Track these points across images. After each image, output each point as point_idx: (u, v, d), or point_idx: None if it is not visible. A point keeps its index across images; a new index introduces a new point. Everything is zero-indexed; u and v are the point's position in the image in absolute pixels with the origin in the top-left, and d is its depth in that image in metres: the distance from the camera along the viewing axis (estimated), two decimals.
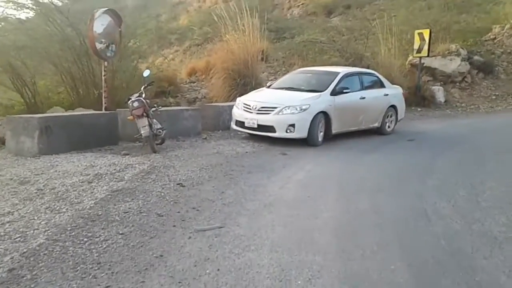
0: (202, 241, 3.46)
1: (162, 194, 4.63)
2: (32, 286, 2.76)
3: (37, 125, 6.49)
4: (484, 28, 18.10)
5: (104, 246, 3.30)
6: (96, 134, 7.27)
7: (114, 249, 3.26)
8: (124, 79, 10.64)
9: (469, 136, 9.29)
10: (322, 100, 7.91)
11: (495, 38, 18.12)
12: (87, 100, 10.00)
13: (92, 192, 4.65)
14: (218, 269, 2.99)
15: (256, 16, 11.88)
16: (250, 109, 7.97)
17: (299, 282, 2.87)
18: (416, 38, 14.01)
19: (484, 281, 3.00)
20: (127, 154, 6.63)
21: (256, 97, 8.36)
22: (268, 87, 9.14)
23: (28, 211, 4.06)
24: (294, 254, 3.26)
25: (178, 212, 4.11)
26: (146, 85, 7.22)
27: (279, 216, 4.10)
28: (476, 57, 16.26)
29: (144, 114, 6.59)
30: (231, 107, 8.94)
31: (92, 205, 4.23)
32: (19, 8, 10.26)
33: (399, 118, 9.72)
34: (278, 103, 7.79)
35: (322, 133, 7.93)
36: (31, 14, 11.06)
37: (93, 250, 3.22)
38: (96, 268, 2.98)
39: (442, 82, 15.40)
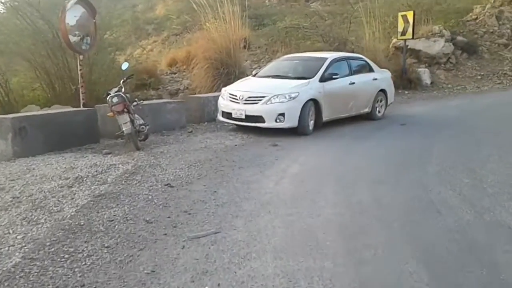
0: (197, 250, 3.13)
1: (150, 197, 4.27)
2: None
3: (11, 126, 6.03)
4: (465, 8, 17.97)
5: (88, 263, 2.93)
6: (75, 132, 6.84)
7: (99, 266, 2.90)
8: (102, 72, 10.18)
9: (460, 118, 9.11)
10: (311, 87, 7.60)
11: (476, 18, 17.99)
12: (64, 96, 9.55)
13: (72, 198, 4.26)
14: (219, 284, 2.67)
15: (236, 3, 11.46)
16: (236, 99, 7.61)
17: None
18: (400, 20, 13.75)
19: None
20: (109, 153, 6.23)
21: (242, 87, 7.99)
22: (254, 75, 8.78)
23: (3, 224, 3.67)
24: (300, 260, 2.96)
25: (169, 217, 3.76)
26: (125, 78, 6.80)
27: (278, 215, 3.79)
28: (459, 38, 16.12)
29: (125, 109, 6.18)
30: (216, 97, 8.57)
31: (73, 213, 3.85)
32: None
33: (389, 103, 9.47)
34: (266, 92, 7.45)
35: (312, 122, 7.64)
36: None
37: (76, 270, 2.85)
38: None
39: (427, 64, 15.23)
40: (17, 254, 3.10)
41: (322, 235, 3.36)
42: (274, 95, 7.29)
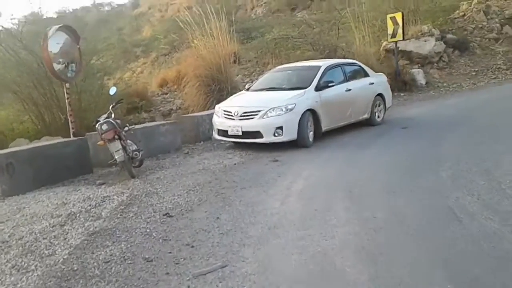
0: None
1: (148, 230, 3.95)
2: None
3: None
4: (451, 6, 17.94)
5: None
6: (66, 164, 6.52)
7: None
8: (91, 99, 9.91)
9: (462, 116, 8.87)
10: (307, 97, 7.34)
11: (464, 15, 17.93)
12: (54, 126, 9.29)
13: (65, 239, 3.94)
14: None
15: (223, 18, 11.28)
16: (231, 115, 7.34)
17: None
18: (389, 22, 13.61)
19: None
20: (103, 184, 5.92)
21: (236, 102, 7.74)
22: (247, 89, 8.52)
23: None
24: None
25: (170, 252, 3.44)
26: (114, 103, 6.51)
27: (289, 240, 3.49)
28: (449, 36, 16.01)
29: (116, 136, 5.88)
30: (210, 115, 8.30)
31: (65, 256, 3.52)
32: None
33: (387, 107, 9.24)
34: (262, 105, 7.19)
35: (311, 133, 7.37)
36: None
37: None
38: None
39: (419, 65, 15.07)
40: None
41: (340, 260, 3.05)
42: (270, 108, 7.03)
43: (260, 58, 14.68)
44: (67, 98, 7.81)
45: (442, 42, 15.49)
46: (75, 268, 3.29)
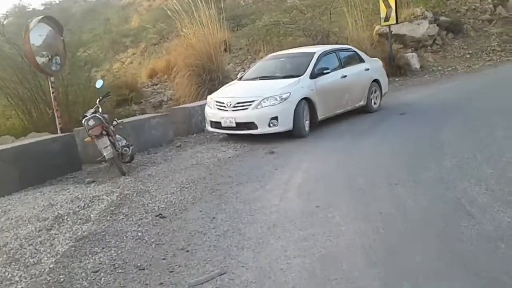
0: None
1: (140, 234, 3.70)
2: None
3: None
4: None
5: None
6: (53, 162, 6.24)
7: None
8: (78, 92, 9.59)
9: (460, 101, 8.67)
10: (302, 86, 7.09)
11: None
12: (42, 121, 8.99)
13: (51, 245, 3.69)
14: None
15: (212, 6, 10.93)
16: (224, 106, 7.08)
17: None
18: (382, 6, 13.32)
19: None
20: (92, 182, 5.66)
21: (228, 92, 7.46)
22: (240, 79, 8.25)
23: None
24: None
25: (163, 258, 3.20)
26: (101, 97, 6.23)
27: (290, 241, 3.26)
28: (442, 18, 15.73)
29: (104, 132, 5.60)
30: (202, 106, 8.03)
31: (52, 265, 3.28)
32: None
33: (383, 93, 9.01)
34: (255, 95, 6.93)
35: (307, 122, 7.12)
36: None
37: None
38: None
39: (413, 48, 14.81)
40: None
41: (347, 263, 2.84)
42: (264, 98, 6.77)
43: (251, 46, 14.34)
44: (53, 93, 7.51)
45: (435, 25, 15.21)
46: (62, 279, 3.04)
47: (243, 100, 6.92)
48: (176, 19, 10.88)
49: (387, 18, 13.21)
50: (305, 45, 11.73)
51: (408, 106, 8.75)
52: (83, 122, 5.69)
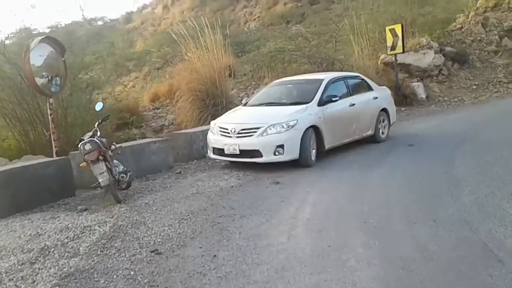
0: None
1: (132, 273, 3.33)
2: None
3: None
4: (447, 18, 17.65)
5: None
6: (46, 187, 5.93)
7: None
8: (78, 114, 9.35)
9: (469, 132, 8.37)
10: (309, 113, 6.82)
11: (462, 27, 17.67)
12: (39, 143, 8.75)
13: (33, 281, 3.33)
14: None
15: (218, 31, 10.82)
16: (228, 133, 6.80)
17: None
18: (388, 35, 13.24)
19: None
20: (85, 210, 5.31)
21: (233, 118, 7.19)
22: (245, 104, 8.00)
23: None
24: None
25: None
26: (100, 120, 5.95)
27: None
28: (448, 48, 15.67)
29: (100, 157, 5.29)
30: (204, 132, 7.77)
31: None
32: None
33: (391, 122, 8.74)
34: (261, 122, 6.65)
35: (314, 151, 6.83)
36: None
37: None
38: None
39: (419, 78, 14.67)
40: None
41: None
42: (270, 125, 6.50)
43: (255, 72, 14.21)
44: (50, 114, 7.28)
45: (441, 55, 15.12)
46: None
47: (248, 127, 6.65)
48: (181, 43, 10.75)
49: (393, 47, 13.12)
50: (310, 72, 11.57)
51: (416, 137, 8.46)
52: (79, 146, 5.39)
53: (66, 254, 3.83)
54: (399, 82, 13.32)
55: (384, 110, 8.45)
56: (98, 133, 5.70)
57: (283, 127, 6.46)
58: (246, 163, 6.69)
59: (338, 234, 3.81)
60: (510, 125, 8.84)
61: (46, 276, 3.42)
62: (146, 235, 4.14)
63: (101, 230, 4.37)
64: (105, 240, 4.06)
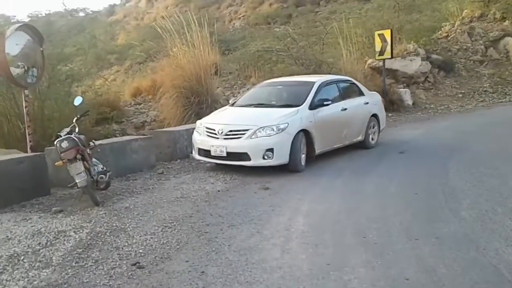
0: None
1: None
2: None
3: None
4: (432, 26, 17.69)
5: None
6: (17, 185, 5.50)
7: None
8: (55, 107, 8.87)
9: (460, 142, 8.24)
10: (301, 117, 6.55)
11: (448, 36, 17.76)
12: (13, 137, 8.22)
13: None
14: None
15: (205, 27, 10.47)
16: (215, 134, 6.47)
17: None
18: (377, 39, 13.14)
19: None
20: (60, 211, 4.91)
21: (220, 119, 6.87)
22: (232, 104, 7.68)
23: None
24: None
25: None
26: (79, 116, 5.55)
27: None
28: (434, 56, 15.67)
29: (78, 156, 4.91)
30: (189, 131, 7.45)
31: None
32: None
33: (381, 128, 8.56)
34: (250, 123, 6.35)
35: (304, 156, 6.56)
36: None
37: None
38: None
39: (405, 84, 14.61)
40: None
41: None
42: (260, 128, 6.21)
43: (242, 71, 13.89)
44: (26, 107, 6.82)
45: (428, 62, 15.11)
46: None
47: (237, 128, 6.34)
48: (167, 38, 10.35)
49: (382, 52, 13.03)
50: (297, 73, 11.32)
51: (406, 144, 8.30)
52: (55, 143, 4.98)
53: (37, 264, 3.45)
54: (386, 88, 13.20)
55: (374, 115, 8.26)
56: (77, 129, 5.32)
57: (273, 130, 6.18)
58: (232, 166, 6.39)
59: (336, 250, 3.53)
60: (501, 135, 8.75)
61: None
62: (126, 244, 3.78)
63: (77, 236, 3.99)
64: (81, 249, 3.69)
